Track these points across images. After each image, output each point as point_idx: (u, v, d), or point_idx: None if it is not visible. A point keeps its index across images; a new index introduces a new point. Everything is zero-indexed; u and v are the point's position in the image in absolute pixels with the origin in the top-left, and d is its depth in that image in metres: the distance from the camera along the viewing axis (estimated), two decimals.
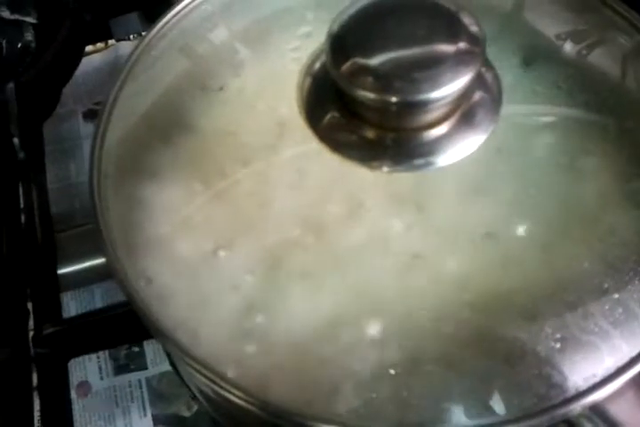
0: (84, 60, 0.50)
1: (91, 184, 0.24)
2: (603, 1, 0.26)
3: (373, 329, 0.21)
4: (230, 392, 0.20)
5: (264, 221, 0.23)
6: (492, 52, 0.24)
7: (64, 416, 0.36)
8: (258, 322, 0.21)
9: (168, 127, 0.25)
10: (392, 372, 0.20)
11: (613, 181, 0.22)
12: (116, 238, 0.23)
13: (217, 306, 0.22)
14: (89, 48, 0.52)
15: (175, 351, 0.21)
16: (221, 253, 0.23)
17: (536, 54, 0.25)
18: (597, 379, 0.19)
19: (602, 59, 0.25)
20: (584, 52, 0.25)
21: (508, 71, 0.24)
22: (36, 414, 0.32)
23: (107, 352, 0.40)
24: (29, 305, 0.34)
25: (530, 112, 0.23)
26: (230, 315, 0.22)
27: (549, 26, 0.26)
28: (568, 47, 0.25)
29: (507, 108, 0.23)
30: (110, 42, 0.52)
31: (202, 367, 0.21)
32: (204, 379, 0.21)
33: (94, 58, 0.52)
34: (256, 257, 0.22)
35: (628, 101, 0.24)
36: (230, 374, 0.21)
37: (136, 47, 0.27)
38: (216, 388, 0.20)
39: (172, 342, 0.21)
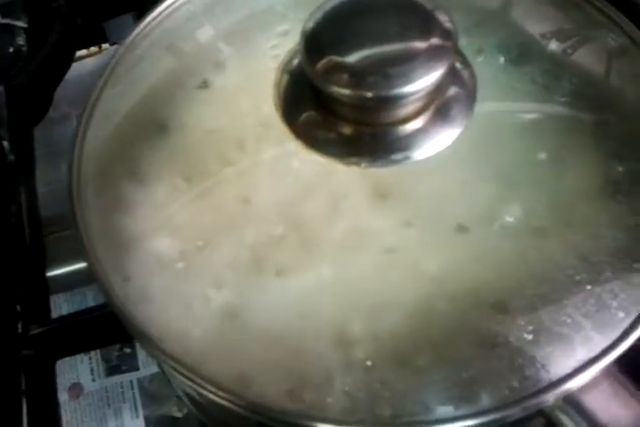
0: (78, 64, 0.50)
1: (70, 185, 0.24)
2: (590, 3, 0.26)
3: (352, 324, 0.21)
4: (210, 391, 0.20)
5: (244, 219, 0.23)
6: (469, 48, 0.24)
7: (52, 418, 0.35)
8: (238, 319, 0.22)
9: (150, 126, 0.25)
10: (369, 364, 0.20)
11: (588, 176, 0.23)
12: (96, 240, 0.23)
13: (197, 304, 0.22)
14: (83, 52, 0.52)
15: (155, 352, 0.21)
16: (201, 252, 0.23)
17: (515, 51, 0.25)
18: (570, 370, 0.19)
19: (581, 56, 0.25)
20: (563, 49, 0.25)
21: (485, 67, 0.24)
22: (24, 415, 0.32)
23: (98, 354, 0.40)
24: (18, 307, 0.34)
25: (505, 107, 0.24)
26: (211, 313, 0.22)
27: (529, 23, 0.26)
28: (547, 44, 0.25)
29: (482, 103, 0.23)
30: (104, 46, 0.52)
31: (182, 367, 0.21)
32: (184, 379, 0.21)
33: (88, 62, 0.52)
34: (236, 254, 0.22)
35: (606, 97, 0.25)
36: (211, 372, 0.21)
37: (118, 48, 0.27)
38: (198, 388, 0.20)
39: (151, 342, 0.21)
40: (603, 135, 0.23)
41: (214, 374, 0.21)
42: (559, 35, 0.26)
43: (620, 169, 0.23)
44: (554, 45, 0.25)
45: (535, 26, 0.26)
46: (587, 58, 0.25)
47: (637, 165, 0.23)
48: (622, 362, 0.33)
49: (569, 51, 0.25)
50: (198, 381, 0.20)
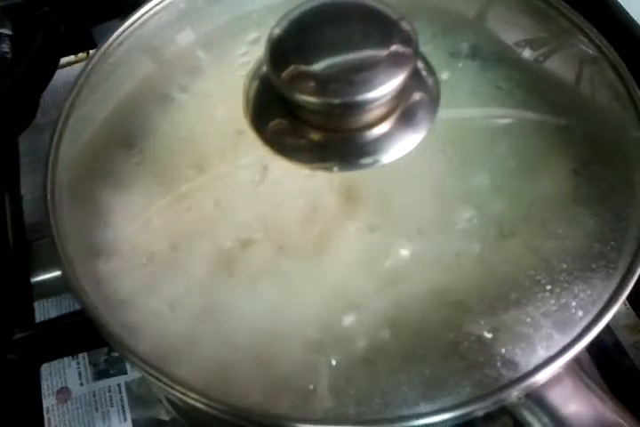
0: (66, 71, 0.50)
1: (45, 192, 0.24)
2: (556, 9, 0.27)
3: (322, 326, 0.21)
4: (185, 394, 0.21)
5: (217, 224, 0.23)
6: (437, 54, 0.25)
7: (36, 422, 0.36)
8: (212, 322, 0.22)
9: (124, 133, 0.26)
10: (335, 364, 0.21)
11: (551, 179, 0.23)
12: (71, 246, 0.23)
13: (171, 309, 0.22)
14: (70, 58, 0.52)
15: (130, 357, 0.21)
16: (175, 256, 0.23)
17: (483, 57, 0.26)
18: (530, 367, 0.20)
19: (550, 64, 0.26)
20: (534, 57, 0.26)
21: (452, 72, 0.25)
22: (9, 420, 0.33)
23: (86, 358, 0.40)
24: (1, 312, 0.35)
25: (469, 112, 0.24)
26: (185, 317, 0.22)
27: (500, 31, 0.27)
28: (518, 52, 0.26)
29: (445, 108, 0.23)
30: (92, 52, 0.52)
31: (157, 372, 0.21)
32: (161, 384, 0.21)
33: (76, 68, 0.52)
34: (209, 259, 0.23)
35: (571, 103, 0.25)
36: (186, 376, 0.21)
37: (92, 55, 0.27)
38: (174, 392, 0.21)
39: (125, 348, 0.21)
40: (566, 140, 0.24)
41: (190, 378, 0.21)
42: (530, 43, 0.26)
43: (583, 173, 0.23)
44: (524, 53, 0.26)
45: (506, 34, 0.27)
46: (555, 66, 0.26)
47: (599, 170, 0.23)
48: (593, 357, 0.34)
49: (540, 59, 0.26)
50: (174, 386, 0.21)
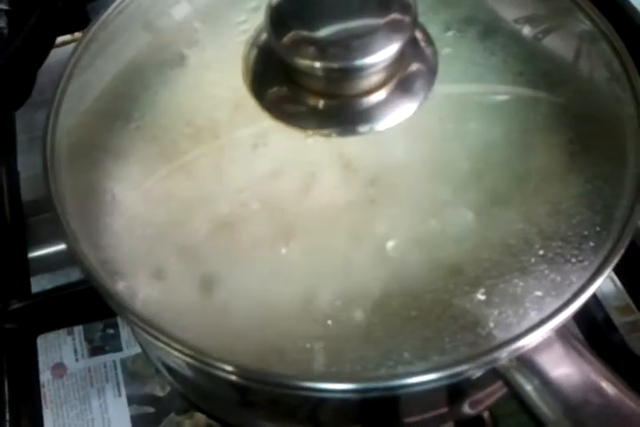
0: (62, 49, 0.50)
1: (44, 161, 0.24)
2: None
3: (323, 291, 0.22)
4: (186, 354, 0.21)
5: (218, 193, 0.24)
6: (436, 24, 0.25)
7: (33, 392, 0.36)
8: (214, 290, 0.22)
9: (123, 102, 0.26)
10: (330, 325, 0.21)
11: (544, 148, 0.23)
12: (72, 217, 0.23)
13: (175, 277, 0.23)
14: (67, 37, 0.52)
15: (136, 324, 0.21)
16: (177, 225, 0.23)
17: (482, 29, 0.26)
18: (522, 329, 0.20)
19: (549, 40, 0.26)
20: (533, 33, 0.26)
21: (447, 43, 0.25)
22: (6, 388, 0.33)
23: (82, 334, 0.41)
24: None
25: (466, 82, 0.24)
26: (188, 284, 0.22)
27: (501, 6, 0.27)
28: (518, 27, 0.26)
29: (443, 78, 0.24)
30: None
31: (166, 338, 0.21)
32: (160, 344, 0.21)
33: (72, 48, 0.52)
34: (211, 228, 0.23)
35: (568, 78, 0.25)
36: (186, 338, 0.21)
37: (91, 24, 0.27)
38: (174, 352, 0.21)
39: (132, 314, 0.21)
40: (562, 112, 0.24)
41: (189, 340, 0.21)
42: (529, 19, 0.26)
43: (577, 143, 0.24)
44: (523, 29, 0.26)
45: (506, 9, 0.27)
46: (553, 42, 0.26)
47: (593, 140, 0.24)
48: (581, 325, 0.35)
49: (539, 35, 0.26)
50: (173, 344, 0.21)
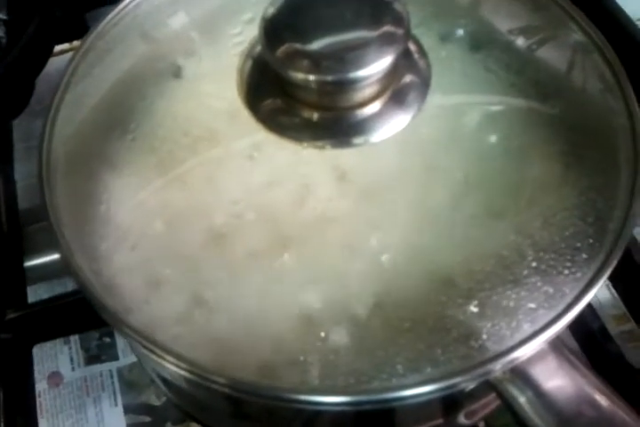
0: (61, 58, 0.50)
1: (40, 170, 0.24)
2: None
3: (316, 302, 0.22)
4: (180, 367, 0.20)
5: (212, 203, 0.24)
6: (430, 37, 0.25)
7: (28, 401, 0.36)
8: (206, 299, 0.22)
9: (119, 113, 0.26)
10: (323, 337, 0.21)
11: (538, 160, 0.24)
12: (67, 228, 0.23)
13: (168, 288, 0.23)
14: (65, 46, 0.52)
15: (131, 336, 0.21)
16: (172, 236, 0.23)
17: (476, 42, 0.26)
18: (514, 342, 0.20)
19: (543, 52, 0.26)
20: (527, 44, 0.26)
21: (440, 55, 0.25)
22: (1, 398, 0.33)
23: (78, 343, 0.40)
24: None
25: (459, 94, 0.25)
26: (181, 296, 0.22)
27: (495, 18, 0.27)
28: (512, 39, 0.26)
29: (435, 90, 0.24)
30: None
31: (160, 351, 0.21)
32: (154, 356, 0.21)
33: (70, 56, 0.52)
34: (205, 238, 0.23)
35: (562, 90, 0.26)
36: (180, 350, 0.21)
37: (88, 34, 0.28)
38: (168, 365, 0.21)
39: (126, 327, 0.21)
40: (555, 124, 0.24)
41: (183, 352, 0.21)
42: (523, 30, 0.27)
43: (571, 155, 0.24)
44: (517, 40, 0.26)
45: (499, 21, 0.27)
46: (546, 53, 0.26)
47: (587, 152, 0.24)
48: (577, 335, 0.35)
49: (533, 46, 0.26)
50: (167, 357, 0.21)
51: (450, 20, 0.26)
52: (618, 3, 0.36)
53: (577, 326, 0.35)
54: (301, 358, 0.21)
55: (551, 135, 0.24)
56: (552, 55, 0.27)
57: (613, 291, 0.39)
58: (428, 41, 0.25)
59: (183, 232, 0.23)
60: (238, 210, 0.23)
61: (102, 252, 0.24)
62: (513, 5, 0.28)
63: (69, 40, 0.52)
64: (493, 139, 0.24)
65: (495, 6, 0.28)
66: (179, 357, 0.21)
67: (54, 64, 0.47)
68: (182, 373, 0.21)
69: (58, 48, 0.50)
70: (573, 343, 0.36)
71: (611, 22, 0.35)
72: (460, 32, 0.26)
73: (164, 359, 0.21)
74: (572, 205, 0.23)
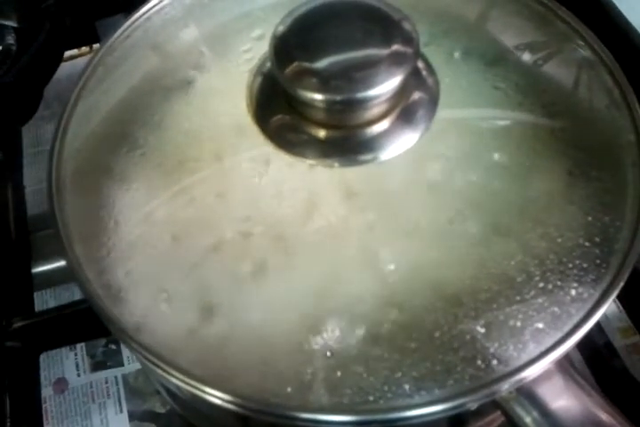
0: (70, 64, 0.51)
1: (49, 184, 0.25)
2: (555, 13, 0.27)
3: (326, 324, 0.22)
4: (185, 382, 0.21)
5: (220, 219, 0.24)
6: (438, 54, 0.25)
7: (34, 410, 0.36)
8: (213, 315, 0.22)
9: (129, 126, 0.26)
10: (329, 356, 0.21)
11: (545, 178, 0.24)
12: (75, 237, 0.24)
13: (174, 301, 0.23)
14: (74, 52, 0.53)
15: (131, 344, 0.22)
16: (178, 249, 0.23)
17: (484, 59, 0.26)
18: (521, 362, 0.20)
19: (549, 67, 0.26)
20: (534, 60, 0.26)
21: (448, 73, 0.25)
22: (7, 407, 0.33)
23: (84, 349, 0.41)
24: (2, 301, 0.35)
25: (467, 111, 0.25)
26: (187, 309, 0.23)
27: (502, 34, 0.27)
28: (518, 55, 0.26)
29: (444, 108, 0.24)
30: (95, 46, 0.53)
31: (165, 365, 0.21)
32: (159, 371, 0.21)
33: (79, 62, 0.53)
34: (212, 253, 0.23)
35: (568, 106, 0.26)
36: (186, 364, 0.21)
37: (99, 48, 0.28)
38: (173, 380, 0.21)
39: (129, 336, 0.22)
40: (561, 141, 0.24)
41: (188, 367, 0.21)
42: (529, 46, 0.27)
43: (577, 174, 0.24)
44: (523, 56, 0.26)
45: (506, 37, 0.27)
46: (553, 69, 0.26)
47: (593, 171, 0.24)
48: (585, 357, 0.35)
49: (539, 62, 0.26)
50: (173, 372, 0.21)
51: (458, 38, 0.26)
52: (625, 17, 0.36)
53: (583, 342, 0.35)
54: (307, 377, 0.21)
55: (558, 154, 0.24)
56: (559, 71, 0.27)
57: (619, 304, 0.39)
58: (436, 59, 0.25)
59: (190, 246, 0.24)
60: (246, 226, 0.23)
61: (110, 264, 0.24)
62: (520, 22, 0.28)
63: (78, 46, 0.53)
64: (501, 157, 0.24)
65: (502, 23, 0.28)
66: (183, 372, 0.21)
67: (62, 70, 0.47)
68: (186, 387, 0.21)
69: (67, 53, 0.50)
70: (578, 356, 0.36)
71: (618, 37, 0.35)
72: (468, 50, 0.26)
73: (169, 373, 0.21)
74: (578, 225, 0.23)
